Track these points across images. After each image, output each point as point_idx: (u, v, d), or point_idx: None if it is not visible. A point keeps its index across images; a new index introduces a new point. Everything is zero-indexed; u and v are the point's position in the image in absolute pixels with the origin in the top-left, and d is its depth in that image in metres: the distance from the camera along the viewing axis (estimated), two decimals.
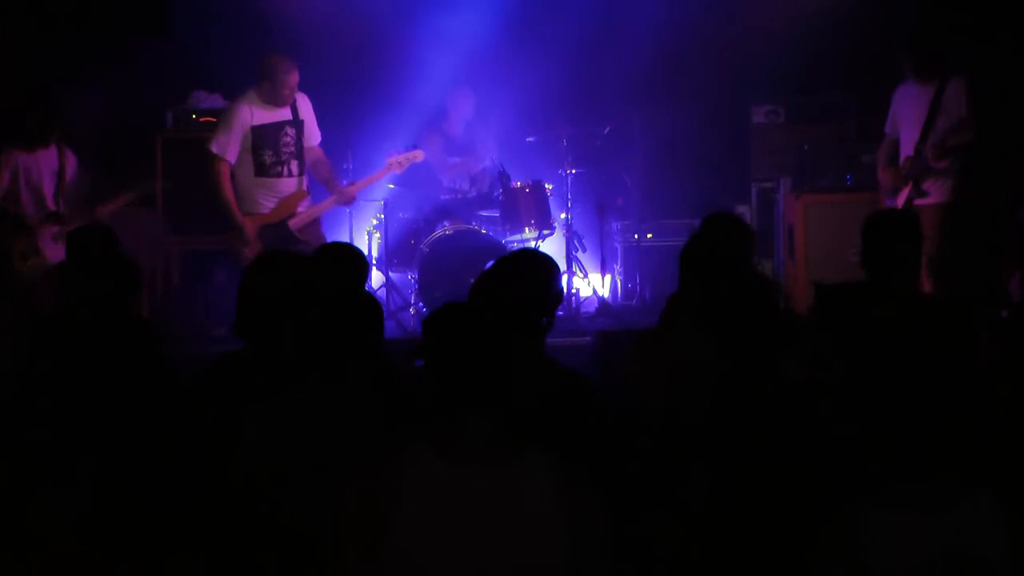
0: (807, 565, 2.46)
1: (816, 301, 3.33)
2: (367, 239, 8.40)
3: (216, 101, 8.35)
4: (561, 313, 7.88)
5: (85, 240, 5.42)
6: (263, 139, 7.22)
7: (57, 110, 7.31)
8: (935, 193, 7.16)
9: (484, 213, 8.44)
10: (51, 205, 7.25)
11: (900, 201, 7.24)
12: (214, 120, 8.18)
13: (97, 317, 3.92)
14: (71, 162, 7.35)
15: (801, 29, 8.62)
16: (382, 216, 8.25)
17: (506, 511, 2.49)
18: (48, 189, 7.26)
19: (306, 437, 3.13)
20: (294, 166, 7.32)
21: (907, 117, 7.33)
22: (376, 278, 8.23)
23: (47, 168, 7.25)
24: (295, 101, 7.30)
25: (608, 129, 8.89)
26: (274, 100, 7.23)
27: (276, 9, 8.68)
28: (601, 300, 8.48)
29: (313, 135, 7.46)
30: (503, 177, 8.24)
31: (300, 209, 7.35)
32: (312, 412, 3.19)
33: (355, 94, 8.83)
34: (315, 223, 7.48)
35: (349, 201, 7.64)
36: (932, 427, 2.46)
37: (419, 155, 7.95)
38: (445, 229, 8.05)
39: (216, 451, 3.22)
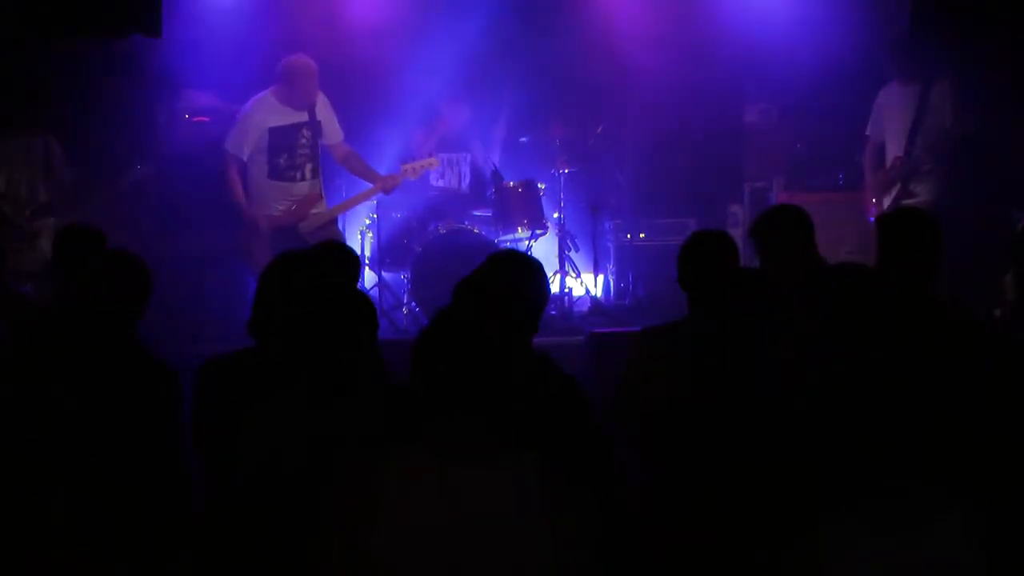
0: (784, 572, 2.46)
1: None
2: (360, 238, 8.39)
3: (208, 100, 8.34)
4: (554, 312, 7.92)
5: (72, 241, 5.23)
6: (279, 141, 7.23)
7: (43, 100, 7.29)
8: (923, 193, 7.18)
9: (477, 212, 8.45)
10: (43, 197, 7.22)
11: (888, 202, 7.25)
12: (207, 120, 8.18)
13: (86, 319, 3.90)
14: (57, 152, 7.32)
15: (794, 28, 8.62)
16: (375, 215, 8.25)
17: (495, 510, 2.50)
18: (40, 180, 7.22)
19: (299, 434, 3.13)
20: (308, 170, 7.33)
21: (893, 119, 7.35)
22: (369, 277, 8.22)
23: (37, 160, 7.22)
24: (314, 101, 7.30)
25: (600, 128, 8.89)
26: (292, 102, 7.24)
27: (270, 9, 8.67)
28: (594, 299, 8.49)
29: (334, 133, 7.47)
30: (496, 176, 8.24)
31: (312, 212, 7.35)
32: (305, 410, 3.19)
33: (348, 96, 8.81)
34: (331, 225, 7.49)
35: (391, 189, 7.65)
36: (928, 428, 2.46)
37: (434, 163, 7.99)
38: (438, 228, 8.06)
39: (217, 450, 3.22)
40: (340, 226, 8.25)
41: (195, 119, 8.26)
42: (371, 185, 7.76)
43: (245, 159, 7.20)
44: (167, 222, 8.21)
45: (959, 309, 3.90)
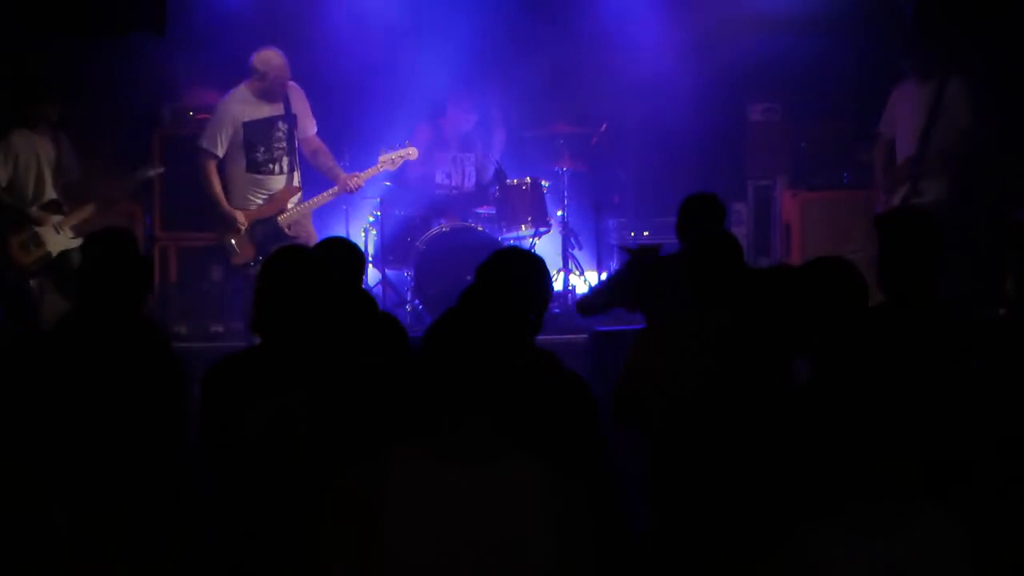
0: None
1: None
2: (363, 236, 8.39)
3: (212, 97, 8.35)
4: (557, 310, 7.92)
5: (106, 246, 5.08)
6: (255, 135, 7.22)
7: (52, 95, 7.29)
8: (932, 192, 7.15)
9: (480, 210, 8.44)
10: (51, 193, 7.21)
11: (896, 200, 7.23)
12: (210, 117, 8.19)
13: (114, 322, 3.91)
14: (67, 148, 7.32)
15: (798, 26, 8.61)
16: (378, 213, 8.25)
17: (498, 510, 2.50)
18: (47, 177, 7.21)
19: (300, 434, 3.13)
20: (285, 162, 7.32)
21: (906, 117, 7.31)
22: (372, 275, 8.22)
23: (45, 155, 7.21)
24: (287, 94, 7.29)
25: (604, 126, 8.89)
26: (266, 95, 7.23)
27: (273, 6, 8.67)
28: None
29: (308, 126, 7.44)
30: (499, 174, 8.24)
31: (290, 205, 7.35)
32: (306, 409, 3.19)
33: (350, 91, 8.81)
34: (305, 219, 7.47)
35: (354, 189, 7.61)
36: (927, 429, 2.46)
37: (412, 152, 7.91)
38: (441, 226, 8.05)
39: (222, 450, 3.22)
40: (344, 222, 8.26)
41: (199, 116, 8.27)
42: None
43: (221, 155, 7.21)
44: (171, 219, 8.23)
45: (961, 309, 3.89)
